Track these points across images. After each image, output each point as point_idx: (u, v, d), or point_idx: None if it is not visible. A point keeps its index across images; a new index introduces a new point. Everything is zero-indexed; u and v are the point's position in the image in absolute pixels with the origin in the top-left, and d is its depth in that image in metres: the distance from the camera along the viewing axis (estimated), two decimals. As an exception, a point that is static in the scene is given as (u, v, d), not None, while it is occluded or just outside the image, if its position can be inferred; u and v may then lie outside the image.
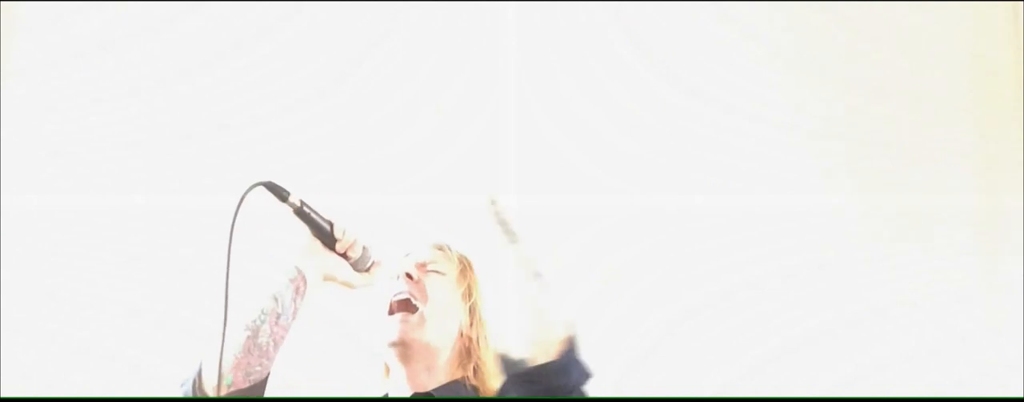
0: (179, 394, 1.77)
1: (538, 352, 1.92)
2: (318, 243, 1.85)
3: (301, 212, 1.84)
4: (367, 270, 1.90)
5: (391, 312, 1.95)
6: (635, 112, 2.95)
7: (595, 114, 2.95)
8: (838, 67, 2.97)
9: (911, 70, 2.98)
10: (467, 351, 1.98)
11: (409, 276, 1.97)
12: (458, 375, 1.96)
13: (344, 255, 1.87)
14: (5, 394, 2.76)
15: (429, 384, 1.93)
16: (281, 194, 1.83)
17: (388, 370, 2.00)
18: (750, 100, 2.95)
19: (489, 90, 2.95)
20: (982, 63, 2.99)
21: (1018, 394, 2.81)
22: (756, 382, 2.85)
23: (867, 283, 2.91)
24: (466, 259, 2.06)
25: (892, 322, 2.89)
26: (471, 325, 1.99)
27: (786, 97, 2.96)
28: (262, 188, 1.81)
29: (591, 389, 2.85)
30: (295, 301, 1.80)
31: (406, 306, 1.95)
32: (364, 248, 1.89)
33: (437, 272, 1.99)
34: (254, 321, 1.76)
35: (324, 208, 1.90)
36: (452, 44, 2.96)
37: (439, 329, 1.95)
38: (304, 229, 1.86)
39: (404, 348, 1.92)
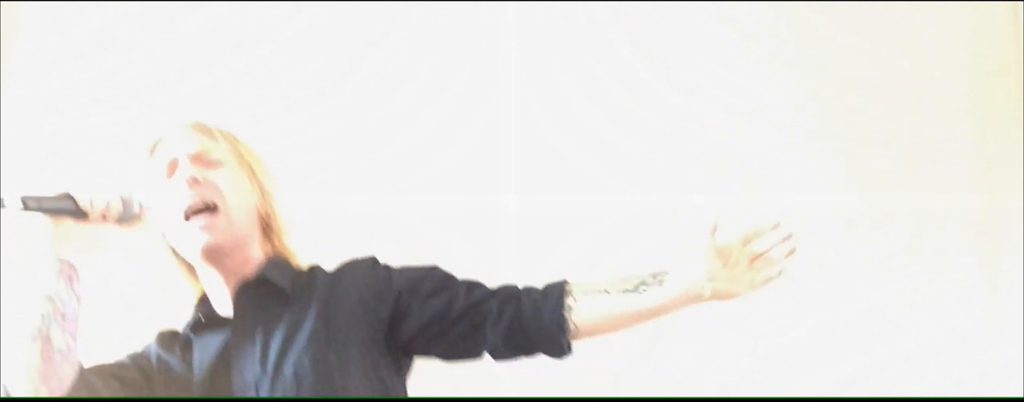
0: None
1: None
2: (68, 222, 1.76)
3: (29, 207, 1.75)
4: (137, 218, 1.80)
5: (187, 218, 1.84)
6: (635, 112, 2.95)
7: (595, 114, 2.95)
8: (838, 67, 2.97)
9: (911, 70, 2.98)
10: (268, 224, 1.92)
11: (195, 180, 1.85)
12: (268, 250, 1.91)
13: (104, 218, 1.77)
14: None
15: (247, 270, 1.87)
16: None
17: (195, 277, 1.92)
18: (750, 100, 2.95)
19: (489, 90, 2.94)
20: (982, 63, 2.99)
21: (1018, 394, 2.81)
22: (756, 382, 2.86)
23: (867, 283, 2.91)
24: (227, 134, 1.95)
25: (892, 322, 2.89)
26: (263, 198, 1.91)
27: (786, 97, 2.96)
28: None
29: (590, 389, 2.86)
30: (73, 290, 1.74)
31: (204, 208, 1.85)
32: (123, 201, 1.79)
33: (218, 163, 1.89)
34: (40, 329, 1.71)
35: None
36: (452, 44, 2.96)
37: (244, 219, 1.87)
38: (44, 219, 1.77)
39: (216, 251, 1.84)
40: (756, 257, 1.79)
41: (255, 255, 1.88)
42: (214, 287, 1.89)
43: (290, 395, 1.77)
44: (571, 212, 2.91)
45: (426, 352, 1.88)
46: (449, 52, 2.95)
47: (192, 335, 1.88)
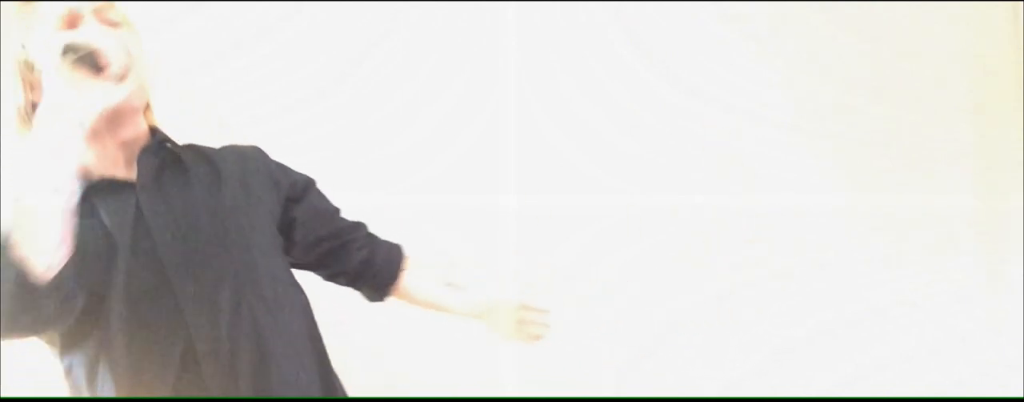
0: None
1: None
2: (83, 76, 1.58)
3: (68, 53, 1.55)
4: (124, 76, 1.64)
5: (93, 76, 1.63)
6: (635, 112, 2.95)
7: (595, 114, 2.95)
8: (838, 67, 2.97)
9: (911, 70, 2.98)
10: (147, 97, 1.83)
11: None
12: (151, 121, 1.84)
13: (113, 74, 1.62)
14: (5, 394, 2.76)
15: (140, 139, 1.79)
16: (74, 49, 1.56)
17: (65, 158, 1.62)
18: (750, 100, 2.96)
19: (489, 90, 2.95)
20: (982, 63, 2.99)
21: (1018, 394, 2.81)
22: (756, 382, 2.86)
23: (867, 283, 2.91)
24: None
25: (892, 322, 2.90)
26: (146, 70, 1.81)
27: (786, 97, 2.96)
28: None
29: (591, 389, 2.86)
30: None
31: (100, 69, 1.64)
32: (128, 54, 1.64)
33: (119, 23, 1.76)
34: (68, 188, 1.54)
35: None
36: (452, 44, 2.96)
37: (146, 83, 1.78)
38: (65, 74, 1.55)
39: (127, 111, 1.73)
40: (523, 321, 2.06)
41: (143, 125, 1.82)
42: (103, 155, 1.76)
43: (223, 244, 1.75)
44: (571, 212, 2.91)
45: (289, 250, 1.95)
46: (449, 52, 2.95)
47: (81, 202, 1.67)
